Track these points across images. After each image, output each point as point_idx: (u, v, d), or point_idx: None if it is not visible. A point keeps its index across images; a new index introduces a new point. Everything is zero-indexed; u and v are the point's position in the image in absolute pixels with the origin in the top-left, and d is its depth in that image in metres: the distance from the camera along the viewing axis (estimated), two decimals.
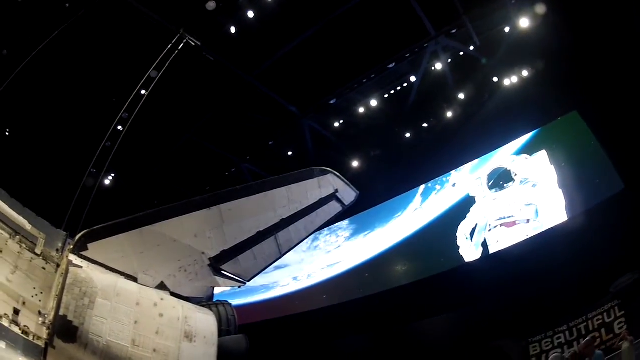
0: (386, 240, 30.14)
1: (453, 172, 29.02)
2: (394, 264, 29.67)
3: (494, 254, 25.07)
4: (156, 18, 27.14)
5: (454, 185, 28.67)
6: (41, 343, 12.73)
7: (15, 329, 13.32)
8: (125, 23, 28.14)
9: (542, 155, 25.11)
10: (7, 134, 35.37)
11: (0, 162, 30.73)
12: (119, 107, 27.82)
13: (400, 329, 27.34)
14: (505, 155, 26.81)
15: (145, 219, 13.38)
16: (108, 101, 30.99)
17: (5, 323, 13.30)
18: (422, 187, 29.93)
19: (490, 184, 26.69)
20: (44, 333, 12.82)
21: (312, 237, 33.09)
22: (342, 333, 29.79)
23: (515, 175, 25.86)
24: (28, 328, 13.75)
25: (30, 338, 13.26)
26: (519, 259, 23.72)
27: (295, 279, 34.05)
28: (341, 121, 32.19)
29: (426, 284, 26.76)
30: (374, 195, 30.20)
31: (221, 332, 13.37)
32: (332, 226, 33.00)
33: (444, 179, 29.27)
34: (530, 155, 25.62)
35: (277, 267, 33.80)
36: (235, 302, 31.14)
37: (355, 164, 32.62)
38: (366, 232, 31.41)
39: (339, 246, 32.50)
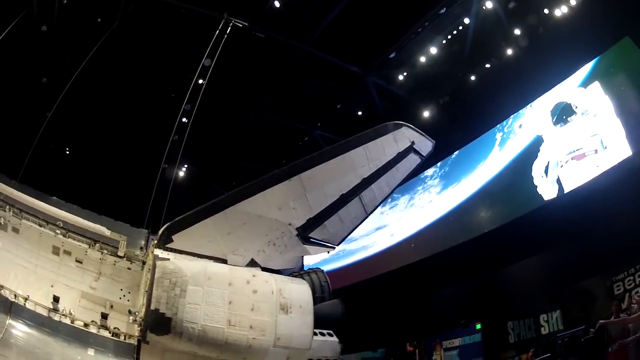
0: (470, 189, 29.67)
1: (520, 112, 28.21)
2: (477, 211, 29.18)
3: (570, 192, 24.23)
4: (190, 8, 27.43)
5: (520, 126, 27.94)
6: (133, 341, 13.06)
7: (104, 333, 13.59)
8: (167, 22, 28.64)
9: (596, 86, 24.12)
10: (67, 152, 36.50)
11: (69, 179, 31.92)
12: (179, 101, 28.04)
13: (489, 276, 26.88)
14: (564, 90, 25.88)
15: (227, 201, 13.33)
16: (167, 98, 31.37)
17: (93, 330, 13.59)
18: (499, 137, 29.14)
19: (554, 119, 25.89)
20: (136, 330, 13.01)
21: (408, 196, 33.55)
22: (436, 285, 29.57)
23: (576, 107, 24.96)
24: (118, 329, 14.02)
25: (122, 338, 13.51)
26: (593, 196, 22.76)
27: (392, 235, 33.87)
28: (404, 73, 31.64)
29: (510, 228, 26.14)
30: (449, 142, 29.60)
31: (316, 300, 13.22)
32: (425, 184, 32.84)
33: (512, 122, 28.48)
34: (585, 87, 24.68)
35: (378, 228, 34.49)
36: (333, 266, 31.76)
37: (426, 114, 32.17)
38: (454, 184, 30.94)
39: (430, 201, 32.17)
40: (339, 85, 32.74)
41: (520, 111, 27.99)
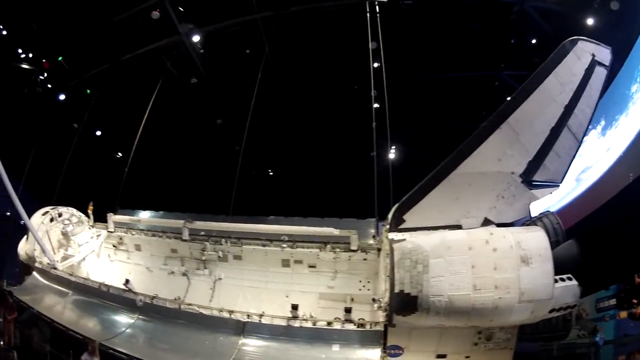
0: None
1: None
2: None
3: None
4: (332, 4, 28.15)
5: None
6: (379, 327, 13.30)
7: (349, 327, 13.96)
8: (314, 26, 29.79)
9: None
10: (270, 174, 38.98)
11: (281, 196, 34.61)
12: (365, 90, 28.13)
13: None
14: None
15: (447, 167, 13.47)
16: (351, 91, 32.14)
17: (337, 326, 14.03)
18: None
19: None
20: (381, 316, 13.32)
21: (625, 113, 31.24)
22: None
23: None
24: (363, 319, 14.35)
25: (367, 327, 13.81)
26: None
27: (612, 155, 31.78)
28: None
29: None
30: (619, 44, 27.76)
31: (551, 245, 12.74)
32: (633, 99, 30.85)
33: None
34: None
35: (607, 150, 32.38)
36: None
37: (589, 21, 29.99)
38: None
39: None
40: (501, 21, 31.65)
41: None
